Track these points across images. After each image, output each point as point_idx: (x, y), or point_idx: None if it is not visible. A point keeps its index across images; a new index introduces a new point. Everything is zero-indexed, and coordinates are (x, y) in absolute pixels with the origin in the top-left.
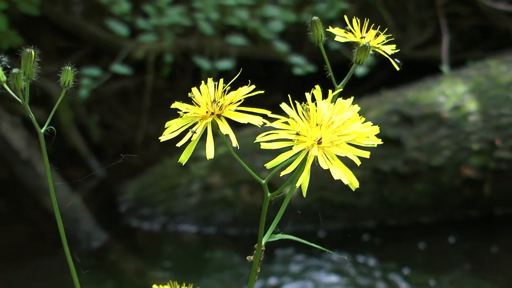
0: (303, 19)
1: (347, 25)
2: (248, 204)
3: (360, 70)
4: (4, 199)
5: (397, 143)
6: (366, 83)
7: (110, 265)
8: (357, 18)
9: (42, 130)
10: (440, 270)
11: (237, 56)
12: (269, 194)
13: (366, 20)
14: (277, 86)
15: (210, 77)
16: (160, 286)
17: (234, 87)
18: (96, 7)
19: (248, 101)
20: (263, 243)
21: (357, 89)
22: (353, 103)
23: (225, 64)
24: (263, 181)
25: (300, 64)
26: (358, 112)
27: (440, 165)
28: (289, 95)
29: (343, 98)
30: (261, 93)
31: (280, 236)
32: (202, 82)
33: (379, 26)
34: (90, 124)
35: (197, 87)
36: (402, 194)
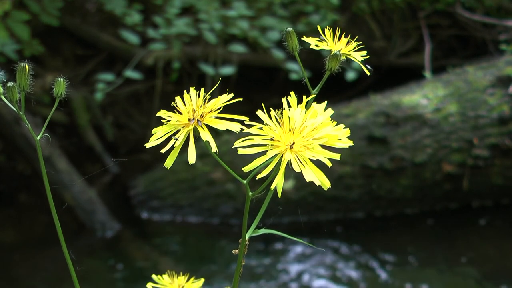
0: (299, 29)
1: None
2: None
3: (351, 75)
4: (28, 192)
5: (384, 142)
6: (355, 87)
7: (122, 252)
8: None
9: (38, 138)
10: (421, 256)
11: (238, 62)
12: (250, 193)
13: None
14: (275, 90)
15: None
16: (159, 276)
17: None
18: (110, 18)
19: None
20: (246, 237)
21: (348, 93)
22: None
23: (227, 69)
24: (244, 181)
25: (295, 70)
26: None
27: (423, 162)
28: (263, 104)
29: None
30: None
31: (263, 231)
32: (185, 91)
33: (356, 37)
34: (105, 124)
35: (180, 97)
36: (388, 188)
